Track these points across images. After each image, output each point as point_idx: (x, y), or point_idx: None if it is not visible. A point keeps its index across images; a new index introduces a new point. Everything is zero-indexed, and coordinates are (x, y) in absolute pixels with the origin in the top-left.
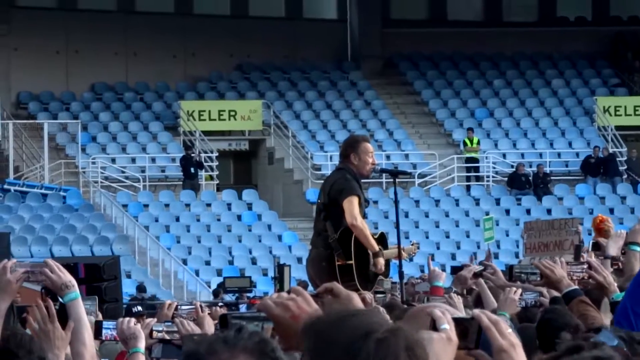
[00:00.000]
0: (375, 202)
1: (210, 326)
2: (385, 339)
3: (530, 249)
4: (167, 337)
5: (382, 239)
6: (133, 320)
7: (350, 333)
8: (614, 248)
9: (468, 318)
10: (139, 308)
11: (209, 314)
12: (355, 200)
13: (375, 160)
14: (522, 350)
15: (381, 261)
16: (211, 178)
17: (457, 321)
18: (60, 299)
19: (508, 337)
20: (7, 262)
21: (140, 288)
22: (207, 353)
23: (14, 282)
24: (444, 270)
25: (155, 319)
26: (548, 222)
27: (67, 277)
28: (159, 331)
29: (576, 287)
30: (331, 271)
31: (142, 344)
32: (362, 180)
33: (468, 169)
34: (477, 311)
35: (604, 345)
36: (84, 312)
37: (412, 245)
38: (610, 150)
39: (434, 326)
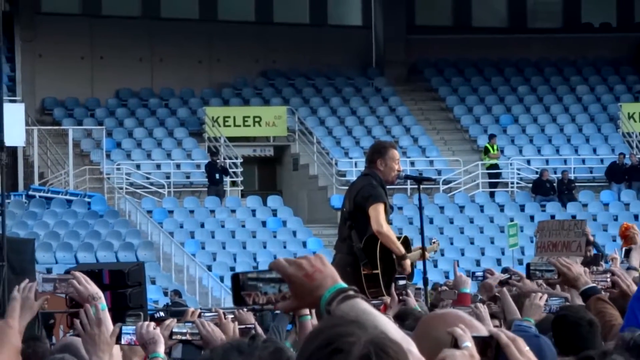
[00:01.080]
0: (400, 209)
1: (232, 333)
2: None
3: (541, 248)
4: (188, 337)
5: (405, 243)
6: (152, 324)
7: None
8: (636, 259)
9: (487, 336)
10: (161, 314)
11: (232, 319)
12: (381, 207)
13: (400, 167)
14: None
15: (408, 263)
16: (235, 184)
17: (476, 339)
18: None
19: (527, 355)
20: (28, 282)
21: (177, 292)
22: None
23: (35, 302)
24: (468, 276)
25: (175, 320)
26: (559, 222)
27: (94, 288)
28: (179, 333)
29: (594, 284)
30: (356, 277)
31: (161, 349)
32: (387, 187)
33: (490, 176)
34: (495, 329)
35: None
36: (110, 323)
37: (433, 243)
38: (637, 157)
39: (456, 344)
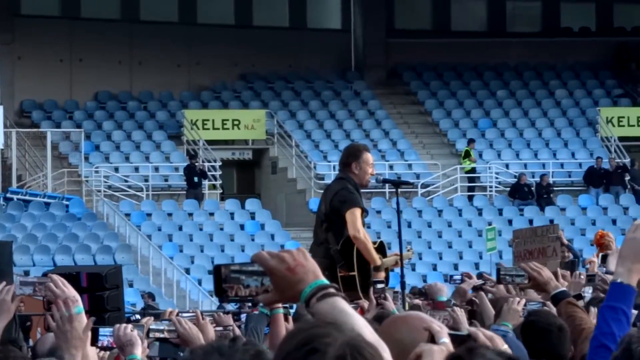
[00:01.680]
0: (378, 212)
1: (211, 334)
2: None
3: (518, 257)
4: (165, 335)
5: (381, 248)
6: (130, 326)
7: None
8: (614, 264)
9: (464, 334)
10: (138, 317)
11: (210, 321)
12: (358, 212)
13: (374, 171)
14: None
15: (381, 275)
16: (214, 187)
17: (453, 337)
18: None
19: None
20: (5, 284)
21: (150, 296)
22: None
23: (11, 304)
24: (446, 280)
25: (152, 318)
26: (532, 229)
27: (72, 291)
28: (156, 330)
29: (564, 288)
30: (333, 281)
31: (138, 351)
32: (363, 190)
33: (469, 180)
34: (473, 328)
35: None
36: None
37: (408, 250)
38: (616, 161)
39: (433, 340)
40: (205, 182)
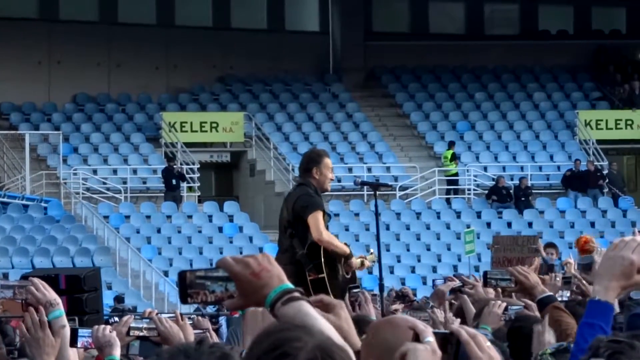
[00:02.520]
0: (357, 215)
1: (190, 335)
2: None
3: (497, 263)
4: (145, 333)
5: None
6: (108, 327)
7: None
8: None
9: (447, 333)
10: (116, 319)
11: (191, 324)
12: (319, 215)
13: (333, 176)
14: None
15: (356, 262)
16: (191, 190)
17: (437, 336)
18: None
19: (487, 351)
20: None
21: (119, 299)
22: None
23: None
24: (424, 283)
25: (132, 316)
26: (513, 237)
27: (52, 295)
28: (136, 328)
29: (550, 293)
30: (302, 287)
31: (117, 352)
32: (343, 193)
33: (449, 183)
34: (455, 326)
35: None
36: (68, 329)
37: (371, 254)
38: (594, 164)
39: (417, 339)
40: (184, 185)
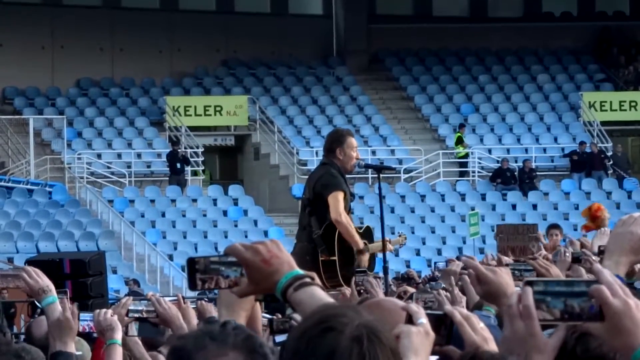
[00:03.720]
0: (361, 198)
1: (192, 317)
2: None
3: (502, 252)
4: (143, 315)
5: (367, 233)
6: (109, 311)
7: (310, 322)
8: (597, 246)
9: (440, 314)
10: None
11: (194, 308)
12: (340, 195)
13: (359, 155)
14: (495, 345)
15: (365, 258)
16: (199, 174)
17: (430, 317)
18: (38, 303)
19: (480, 332)
20: None
21: (136, 282)
22: (196, 349)
23: None
24: (429, 265)
25: (131, 298)
26: (514, 226)
27: (45, 282)
28: (135, 310)
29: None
30: (315, 266)
31: (119, 335)
32: (348, 176)
33: (460, 165)
34: (449, 307)
35: None
36: (58, 312)
37: (400, 237)
38: (598, 146)
39: (411, 321)
40: (189, 169)
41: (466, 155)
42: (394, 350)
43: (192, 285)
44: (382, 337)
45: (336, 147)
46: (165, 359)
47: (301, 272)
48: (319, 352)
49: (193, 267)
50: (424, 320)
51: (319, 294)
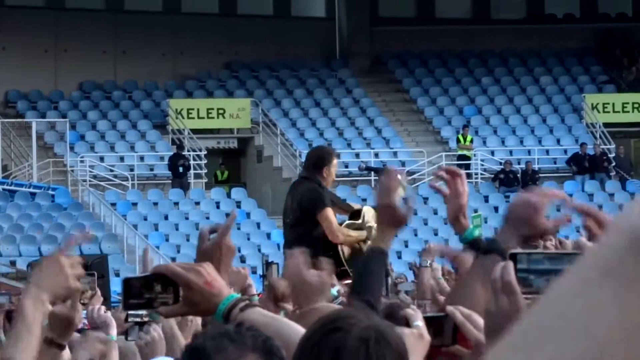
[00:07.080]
0: (364, 200)
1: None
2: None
3: None
4: (143, 319)
5: (357, 214)
6: (103, 308)
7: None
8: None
9: (441, 315)
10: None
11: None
12: (330, 213)
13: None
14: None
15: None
16: (199, 176)
17: (431, 319)
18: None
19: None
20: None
21: None
22: (216, 351)
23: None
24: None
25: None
26: None
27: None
28: (135, 315)
29: None
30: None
31: (113, 332)
32: (349, 179)
33: (459, 167)
34: (450, 308)
35: None
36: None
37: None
38: (601, 147)
39: (407, 323)
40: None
41: (469, 157)
42: (402, 353)
43: (126, 307)
44: (390, 339)
45: (323, 165)
46: (181, 357)
47: (238, 295)
48: (325, 350)
49: (128, 288)
50: (419, 322)
51: (270, 314)
